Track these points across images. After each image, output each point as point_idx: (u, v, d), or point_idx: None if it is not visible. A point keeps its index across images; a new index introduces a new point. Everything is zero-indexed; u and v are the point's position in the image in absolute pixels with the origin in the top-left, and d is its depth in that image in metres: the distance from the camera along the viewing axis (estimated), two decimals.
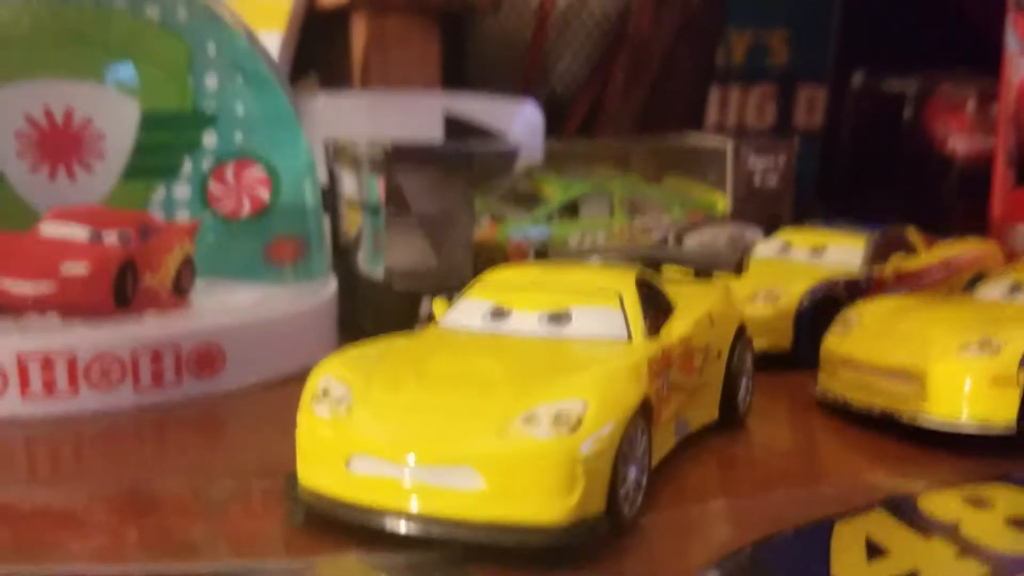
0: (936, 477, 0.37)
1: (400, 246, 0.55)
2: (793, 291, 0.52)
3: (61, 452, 0.41)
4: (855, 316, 0.45)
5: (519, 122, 0.75)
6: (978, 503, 0.33)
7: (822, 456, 0.40)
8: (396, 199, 0.55)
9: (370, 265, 0.58)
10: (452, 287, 0.55)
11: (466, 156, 0.56)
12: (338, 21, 0.75)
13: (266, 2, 0.72)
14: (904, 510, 0.32)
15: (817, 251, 0.57)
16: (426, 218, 0.55)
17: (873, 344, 0.42)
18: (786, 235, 0.60)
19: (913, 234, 0.60)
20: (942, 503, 0.33)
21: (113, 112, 0.49)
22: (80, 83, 0.49)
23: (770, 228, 0.63)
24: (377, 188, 0.56)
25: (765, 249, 0.59)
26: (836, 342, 0.44)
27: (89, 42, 0.49)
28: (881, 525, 0.31)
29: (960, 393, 0.38)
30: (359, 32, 0.73)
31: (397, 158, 0.55)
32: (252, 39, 0.53)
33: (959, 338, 0.40)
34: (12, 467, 0.39)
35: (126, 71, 0.50)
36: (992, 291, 0.47)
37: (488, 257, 0.59)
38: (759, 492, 0.36)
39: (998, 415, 0.38)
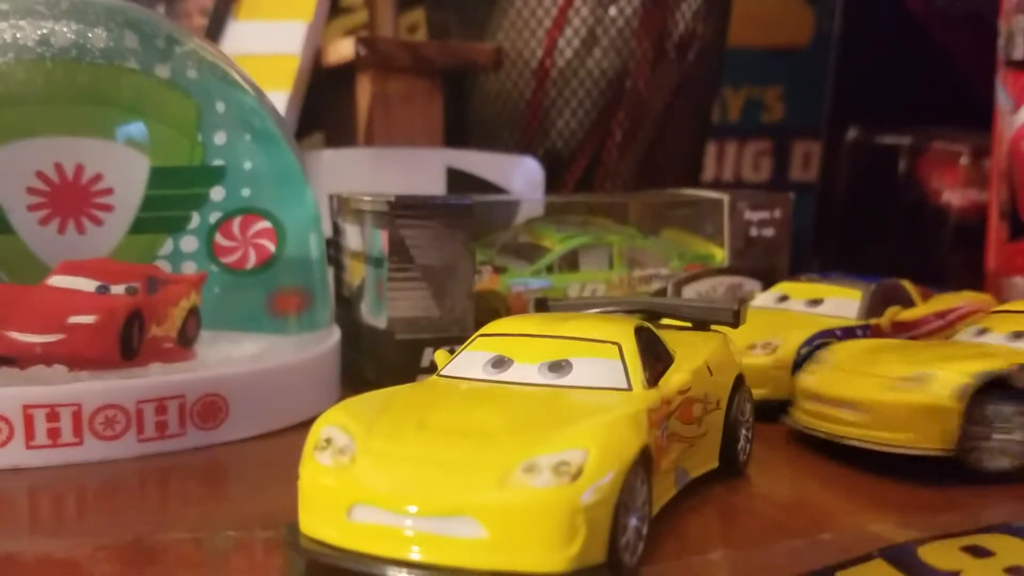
0: (936, 526, 0.37)
1: (403, 297, 0.56)
2: (791, 341, 0.52)
3: (65, 502, 0.41)
4: (828, 355, 0.48)
5: (519, 176, 0.77)
6: (977, 552, 0.33)
7: (822, 505, 0.41)
8: (399, 251, 0.56)
9: (373, 315, 0.58)
10: (454, 337, 0.55)
11: (467, 209, 0.57)
12: (344, 80, 0.77)
13: (274, 62, 0.74)
14: (904, 559, 0.33)
15: (814, 303, 0.58)
16: (429, 269, 0.56)
17: (832, 378, 0.46)
18: (783, 287, 0.61)
19: (909, 287, 0.60)
20: (942, 552, 0.33)
21: (123, 167, 0.50)
22: (91, 139, 0.50)
23: (767, 280, 0.64)
24: (380, 240, 0.57)
25: (763, 300, 0.60)
26: (805, 377, 0.47)
27: (100, 100, 0.50)
28: (881, 575, 0.32)
29: (900, 420, 0.42)
30: (364, 91, 0.75)
31: (400, 211, 0.56)
32: (260, 97, 0.54)
33: (902, 371, 0.43)
34: (16, 516, 0.39)
35: (136, 128, 0.51)
36: (966, 335, 0.50)
37: (490, 307, 0.59)
38: (759, 542, 0.36)
39: (935, 441, 0.42)
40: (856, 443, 0.43)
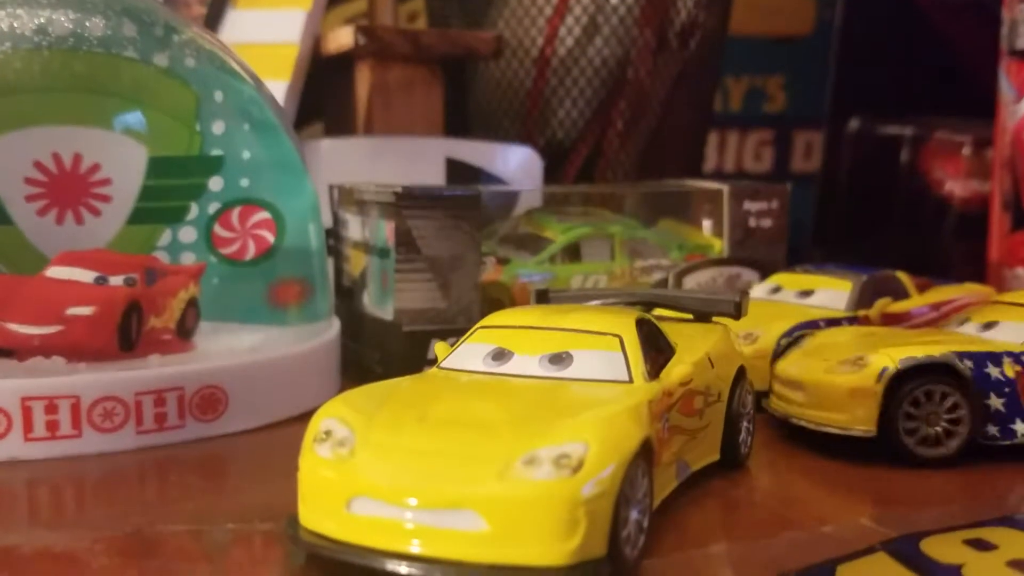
0: (938, 519, 0.37)
1: (409, 288, 0.56)
2: (772, 332, 0.52)
3: (63, 494, 0.41)
4: (806, 340, 0.49)
5: (518, 166, 0.76)
6: (980, 546, 0.33)
7: (823, 498, 0.40)
8: (406, 242, 0.55)
9: (378, 307, 0.58)
10: (461, 328, 0.55)
11: (474, 199, 0.57)
12: (343, 69, 0.77)
13: (273, 50, 0.74)
14: (906, 552, 0.32)
15: (805, 293, 0.58)
16: (435, 260, 0.56)
17: (793, 361, 0.47)
18: (778, 278, 0.61)
19: (904, 278, 0.60)
20: (944, 545, 0.33)
21: (121, 157, 0.50)
22: (89, 129, 0.50)
23: (766, 270, 0.64)
24: (386, 231, 0.56)
25: (757, 292, 0.60)
26: (778, 362, 0.49)
27: (98, 89, 0.49)
28: (883, 568, 0.31)
29: (832, 401, 0.44)
30: (363, 80, 0.75)
31: (407, 202, 0.55)
32: (259, 86, 0.54)
33: (843, 356, 0.44)
34: (14, 509, 0.39)
35: (134, 118, 0.50)
36: (950, 325, 0.50)
37: (494, 298, 0.59)
38: (761, 535, 0.36)
39: (858, 421, 0.43)
40: (799, 422, 0.45)
